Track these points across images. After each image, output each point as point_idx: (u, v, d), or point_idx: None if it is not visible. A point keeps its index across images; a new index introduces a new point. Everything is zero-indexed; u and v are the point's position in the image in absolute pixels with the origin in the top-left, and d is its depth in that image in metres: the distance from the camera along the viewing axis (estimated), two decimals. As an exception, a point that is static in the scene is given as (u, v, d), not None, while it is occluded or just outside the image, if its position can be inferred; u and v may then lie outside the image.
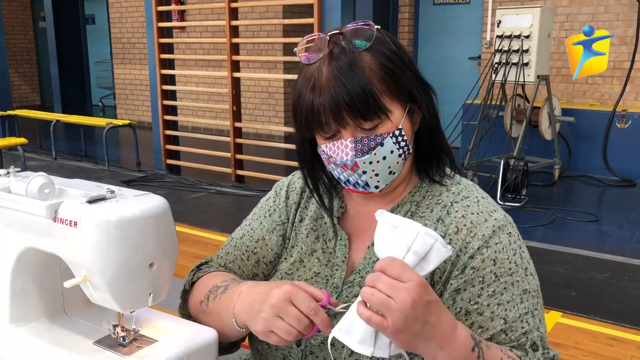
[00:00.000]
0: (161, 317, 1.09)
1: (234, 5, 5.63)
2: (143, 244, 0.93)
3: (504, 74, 5.54)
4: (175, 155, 6.43)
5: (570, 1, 6.48)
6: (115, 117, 9.97)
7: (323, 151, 0.97)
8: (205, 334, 1.01)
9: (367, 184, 0.96)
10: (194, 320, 1.08)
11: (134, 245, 0.92)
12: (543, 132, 5.77)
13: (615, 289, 3.41)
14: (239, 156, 5.89)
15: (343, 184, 1.00)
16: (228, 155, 5.90)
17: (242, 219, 1.23)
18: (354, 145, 0.92)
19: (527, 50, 5.43)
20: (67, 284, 0.93)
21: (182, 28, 8.77)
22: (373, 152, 0.93)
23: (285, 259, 1.10)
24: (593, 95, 6.51)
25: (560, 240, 4.20)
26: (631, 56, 5.81)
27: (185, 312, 1.12)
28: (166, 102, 6.27)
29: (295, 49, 0.99)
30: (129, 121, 7.07)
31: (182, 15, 8.78)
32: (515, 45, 5.45)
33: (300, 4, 5.55)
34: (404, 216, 0.97)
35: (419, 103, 0.98)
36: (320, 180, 1.08)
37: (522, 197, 5.11)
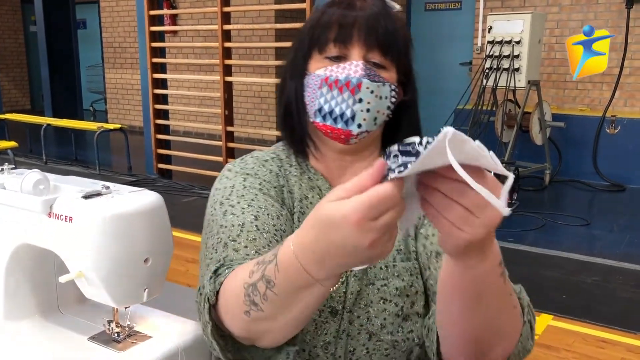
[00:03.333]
0: (155, 314, 1.09)
1: (226, 9, 5.64)
2: (138, 239, 0.93)
3: (495, 80, 5.58)
4: (167, 159, 6.42)
5: (560, 8, 6.54)
6: (107, 122, 9.94)
7: (318, 75, 0.94)
8: (200, 330, 1.01)
9: (352, 118, 0.92)
10: (242, 341, 0.83)
11: (129, 241, 0.92)
12: (534, 137, 5.80)
13: (606, 292, 3.43)
14: (231, 160, 5.87)
15: (320, 119, 0.95)
16: (220, 159, 5.89)
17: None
18: (364, 67, 0.92)
19: (517, 56, 5.47)
20: (62, 279, 0.93)
21: (174, 32, 8.76)
22: (377, 84, 0.93)
23: None
24: (583, 101, 6.56)
25: (551, 244, 4.22)
26: (620, 62, 5.86)
27: (224, 334, 0.84)
28: (158, 106, 6.26)
29: None
30: (120, 125, 7.05)
31: (174, 19, 8.78)
32: (506, 50, 5.49)
33: (292, 8, 5.57)
34: None
35: (407, 84, 1.00)
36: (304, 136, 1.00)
37: (513, 201, 5.13)
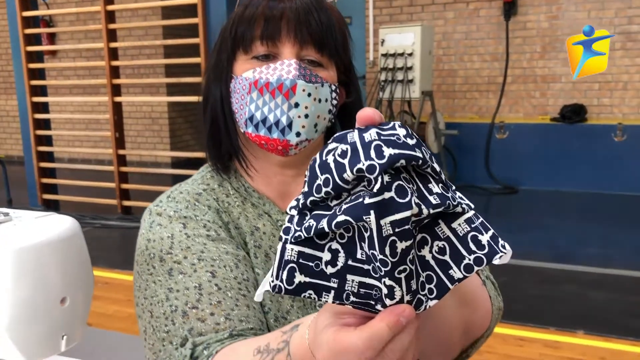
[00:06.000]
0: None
1: (112, 26, 5.34)
2: (51, 276, 0.75)
3: (391, 92, 5.68)
4: (53, 189, 5.94)
5: (445, 21, 6.81)
6: (-21, 152, 9.12)
7: (245, 78, 0.82)
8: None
9: (289, 126, 0.80)
10: None
11: (39, 278, 0.74)
12: (430, 146, 5.96)
13: (516, 291, 3.52)
14: (124, 186, 5.54)
15: (252, 129, 0.82)
16: (112, 185, 5.53)
17: (132, 253, 0.83)
18: (298, 67, 0.80)
19: (411, 68, 5.61)
20: (-48, 334, 0.73)
21: (53, 53, 8.22)
22: (315, 85, 0.81)
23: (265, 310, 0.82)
24: (472, 109, 6.85)
25: (457, 249, 4.30)
26: (503, 71, 6.18)
27: None
28: (39, 132, 5.78)
29: None
30: (-4, 155, 6.46)
31: (51, 38, 8.23)
32: (400, 63, 5.61)
33: (182, 24, 5.37)
34: None
35: (349, 83, 0.90)
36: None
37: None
